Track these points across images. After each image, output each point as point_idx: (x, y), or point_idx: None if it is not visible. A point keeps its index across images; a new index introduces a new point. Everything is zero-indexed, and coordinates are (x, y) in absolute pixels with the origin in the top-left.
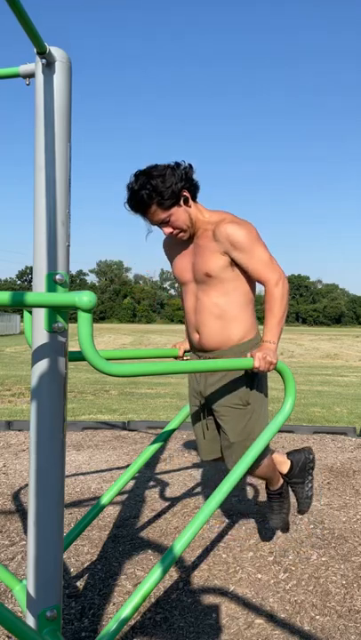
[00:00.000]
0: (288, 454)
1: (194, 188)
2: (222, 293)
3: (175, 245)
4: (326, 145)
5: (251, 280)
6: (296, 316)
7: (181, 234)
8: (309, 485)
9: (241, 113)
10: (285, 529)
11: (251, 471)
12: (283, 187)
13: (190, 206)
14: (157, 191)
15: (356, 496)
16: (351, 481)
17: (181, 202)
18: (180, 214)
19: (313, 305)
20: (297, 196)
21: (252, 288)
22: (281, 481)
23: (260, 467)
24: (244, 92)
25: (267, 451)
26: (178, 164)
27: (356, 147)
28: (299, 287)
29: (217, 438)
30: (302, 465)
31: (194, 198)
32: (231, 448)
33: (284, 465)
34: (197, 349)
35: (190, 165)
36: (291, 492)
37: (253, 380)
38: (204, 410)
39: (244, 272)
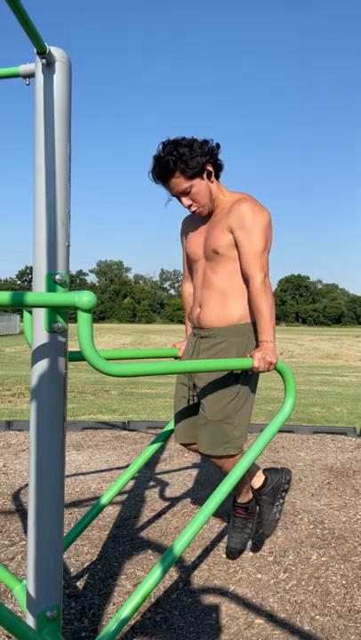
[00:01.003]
0: (265, 470)
1: (218, 166)
2: (228, 273)
3: (193, 222)
4: (327, 145)
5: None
6: (296, 316)
7: (200, 209)
8: (279, 508)
9: (241, 112)
10: (242, 550)
11: (223, 463)
12: (283, 186)
13: (212, 182)
14: (183, 159)
15: (356, 496)
16: (351, 481)
17: (204, 175)
18: (201, 187)
19: (313, 305)
20: (297, 196)
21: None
22: (250, 495)
23: (229, 462)
24: (245, 91)
25: (239, 446)
26: (206, 141)
27: (357, 147)
28: (299, 287)
29: (196, 420)
30: (276, 485)
31: (217, 176)
32: (206, 426)
33: (258, 479)
34: (196, 325)
35: (218, 145)
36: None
37: (244, 371)
38: (189, 388)
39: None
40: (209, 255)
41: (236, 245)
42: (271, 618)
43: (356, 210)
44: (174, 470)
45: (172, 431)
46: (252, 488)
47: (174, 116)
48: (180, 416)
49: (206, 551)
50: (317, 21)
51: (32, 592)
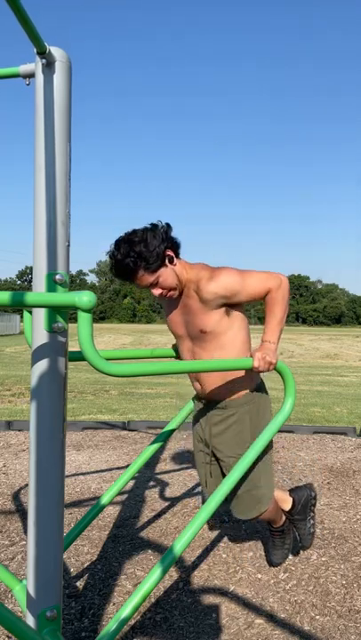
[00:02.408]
0: (290, 491)
1: (176, 246)
2: (219, 347)
3: (168, 300)
4: (327, 145)
5: (245, 326)
6: (296, 316)
7: (171, 292)
8: (311, 522)
9: (241, 113)
10: (284, 559)
11: (261, 516)
12: (283, 186)
13: (175, 264)
14: (142, 257)
15: (356, 496)
16: (351, 481)
17: (167, 261)
18: (167, 274)
19: (313, 305)
20: (297, 196)
21: (247, 333)
22: (283, 518)
23: (267, 512)
24: (245, 91)
25: (270, 497)
26: (155, 226)
27: (357, 147)
28: (299, 287)
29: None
30: (305, 502)
31: (177, 255)
32: (238, 498)
33: (287, 503)
34: (202, 397)
35: (168, 225)
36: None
37: (257, 430)
38: (208, 454)
39: (239, 319)
40: (195, 335)
41: (231, 311)
42: (271, 618)
43: (357, 210)
44: (174, 470)
45: (172, 431)
46: (283, 511)
47: (175, 117)
48: (206, 481)
49: (206, 551)
50: (317, 21)
51: (32, 592)
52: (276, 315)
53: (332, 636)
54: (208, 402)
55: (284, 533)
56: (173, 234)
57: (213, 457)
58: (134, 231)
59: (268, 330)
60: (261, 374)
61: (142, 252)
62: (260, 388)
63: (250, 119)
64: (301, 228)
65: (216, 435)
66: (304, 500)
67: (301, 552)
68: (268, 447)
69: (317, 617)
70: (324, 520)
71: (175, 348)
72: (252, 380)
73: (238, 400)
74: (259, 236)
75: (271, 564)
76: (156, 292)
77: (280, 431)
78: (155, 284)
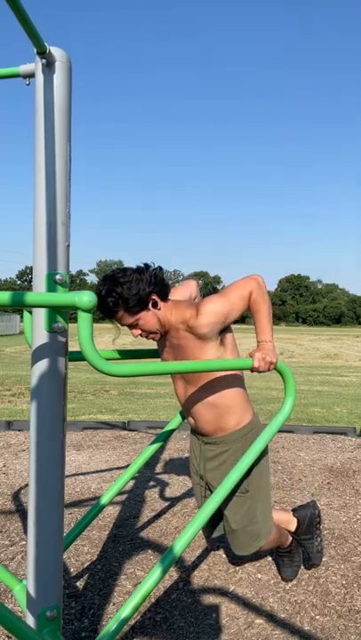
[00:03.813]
0: (294, 511)
1: (164, 290)
2: (211, 381)
3: (158, 341)
4: (327, 145)
5: (234, 344)
6: (296, 316)
7: (152, 335)
8: (318, 540)
9: (241, 114)
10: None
11: (257, 550)
12: (283, 186)
13: (160, 308)
14: (123, 298)
15: (356, 496)
16: (351, 481)
17: (150, 306)
18: (148, 318)
19: (313, 305)
20: (297, 196)
21: (237, 349)
22: (290, 539)
23: (267, 544)
24: (245, 92)
25: (268, 532)
26: (147, 267)
27: (357, 146)
28: (299, 287)
29: (219, 517)
30: (309, 521)
31: (164, 299)
32: (234, 534)
33: (291, 524)
34: (196, 432)
35: (160, 267)
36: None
37: (252, 466)
38: (204, 488)
39: (230, 339)
40: (190, 375)
41: (221, 341)
42: (271, 618)
43: (357, 209)
44: (174, 470)
45: (172, 431)
46: (289, 532)
47: (175, 117)
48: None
49: (206, 551)
50: (317, 21)
51: (32, 592)
52: (263, 313)
53: (332, 636)
54: (202, 436)
55: (292, 553)
56: (162, 269)
57: (209, 490)
58: (124, 270)
59: (261, 330)
60: (260, 375)
61: (124, 293)
62: (254, 422)
63: (250, 119)
64: (301, 228)
65: (210, 470)
66: (308, 519)
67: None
68: (264, 483)
69: (317, 617)
70: (324, 520)
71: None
72: (246, 415)
73: (232, 435)
74: (259, 236)
75: (283, 579)
76: (135, 332)
77: (280, 431)
78: (134, 326)
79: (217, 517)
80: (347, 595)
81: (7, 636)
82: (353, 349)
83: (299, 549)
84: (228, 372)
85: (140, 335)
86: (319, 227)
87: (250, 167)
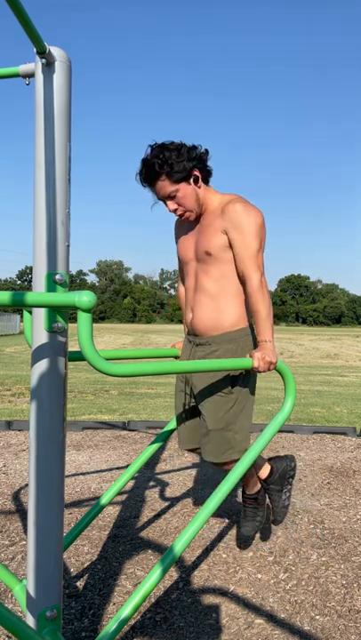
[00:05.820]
0: (269, 459)
1: (206, 171)
2: (220, 275)
3: (183, 225)
4: (327, 144)
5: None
6: (296, 316)
7: (187, 213)
8: (287, 495)
9: (241, 113)
10: (252, 538)
11: (228, 468)
12: (283, 186)
13: (200, 187)
14: (168, 162)
15: (356, 496)
16: (351, 481)
17: (191, 180)
18: (187, 191)
19: (313, 305)
20: (297, 196)
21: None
22: (258, 486)
23: (236, 468)
24: (245, 91)
25: (242, 448)
26: (195, 146)
27: (357, 146)
28: (299, 287)
29: (197, 427)
30: (282, 472)
31: (206, 181)
32: (208, 436)
33: (265, 470)
34: (190, 332)
35: (206, 150)
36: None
37: (240, 374)
38: (188, 396)
39: (233, 271)
40: (200, 257)
41: (231, 246)
42: (271, 618)
43: (357, 210)
44: (174, 470)
45: (172, 431)
46: (259, 478)
47: (175, 117)
48: (182, 423)
49: (206, 551)
50: (318, 21)
51: (32, 592)
52: (262, 313)
53: (332, 636)
54: (195, 336)
55: (258, 503)
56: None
57: (192, 397)
58: (173, 142)
59: (260, 330)
60: (260, 375)
61: (171, 157)
62: (249, 331)
63: (250, 119)
64: (302, 228)
65: None
66: (282, 470)
67: (302, 552)
68: (249, 393)
69: (317, 617)
70: (324, 520)
71: (174, 350)
72: (242, 320)
73: (224, 336)
74: None
75: (239, 536)
76: (172, 206)
77: (280, 431)
78: (172, 197)
79: (193, 427)
80: (347, 595)
81: (7, 636)
82: (353, 349)
83: (264, 504)
84: (235, 273)
85: (175, 212)
86: (319, 227)
87: (250, 167)
